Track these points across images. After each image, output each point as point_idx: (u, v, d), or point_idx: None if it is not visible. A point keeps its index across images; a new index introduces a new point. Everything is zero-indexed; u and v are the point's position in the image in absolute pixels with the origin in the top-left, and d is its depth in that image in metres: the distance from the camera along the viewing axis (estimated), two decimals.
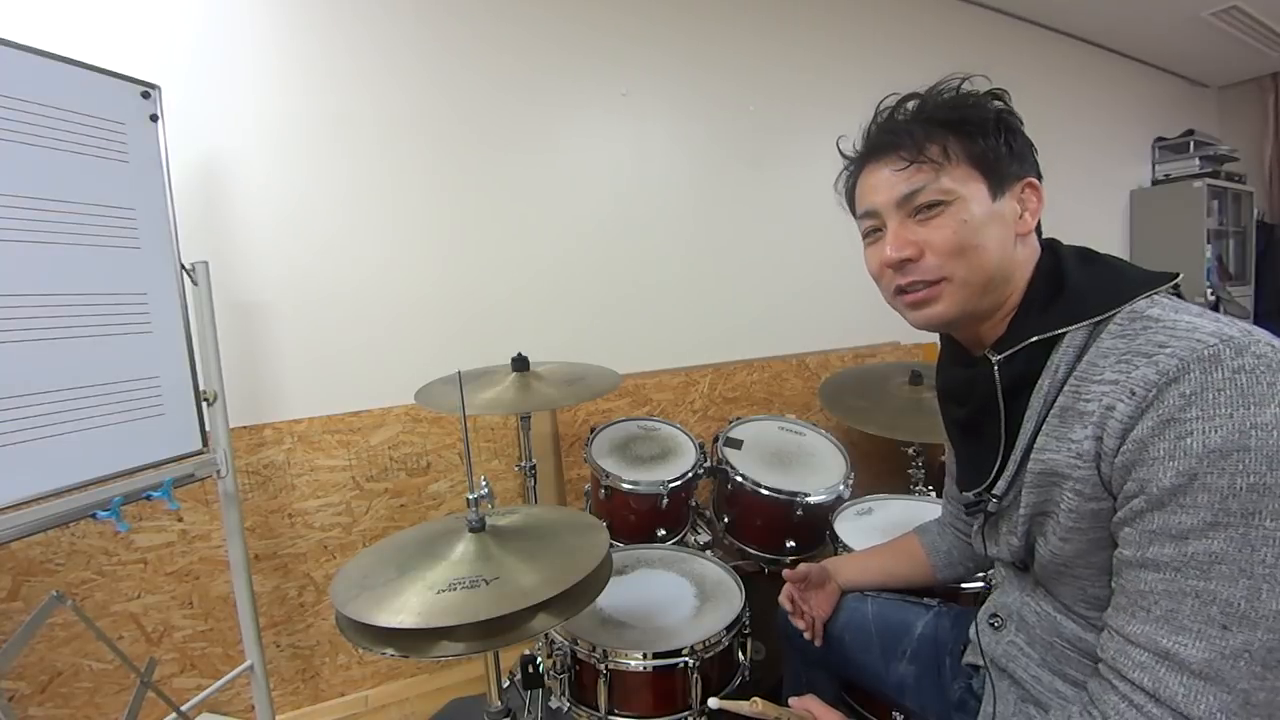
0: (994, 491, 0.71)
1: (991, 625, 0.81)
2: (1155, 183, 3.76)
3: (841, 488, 1.51)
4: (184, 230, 1.23)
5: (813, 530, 1.48)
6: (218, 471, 1.31)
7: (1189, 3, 2.90)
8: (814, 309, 2.42)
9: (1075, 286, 0.65)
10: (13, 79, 0.98)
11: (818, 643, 1.03)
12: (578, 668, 1.11)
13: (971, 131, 0.66)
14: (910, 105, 0.70)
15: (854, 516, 1.44)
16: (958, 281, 0.66)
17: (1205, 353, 0.52)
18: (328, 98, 1.63)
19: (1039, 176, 0.70)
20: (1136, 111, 3.67)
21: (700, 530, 1.63)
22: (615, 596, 1.24)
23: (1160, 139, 3.76)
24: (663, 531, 1.55)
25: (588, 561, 0.85)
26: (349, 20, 1.64)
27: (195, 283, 1.28)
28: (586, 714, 1.10)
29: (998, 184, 0.66)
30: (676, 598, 1.23)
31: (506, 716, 1.03)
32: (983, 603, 0.87)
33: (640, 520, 1.54)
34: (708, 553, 1.39)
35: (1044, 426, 0.64)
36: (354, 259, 1.68)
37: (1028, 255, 0.69)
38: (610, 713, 1.08)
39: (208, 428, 1.28)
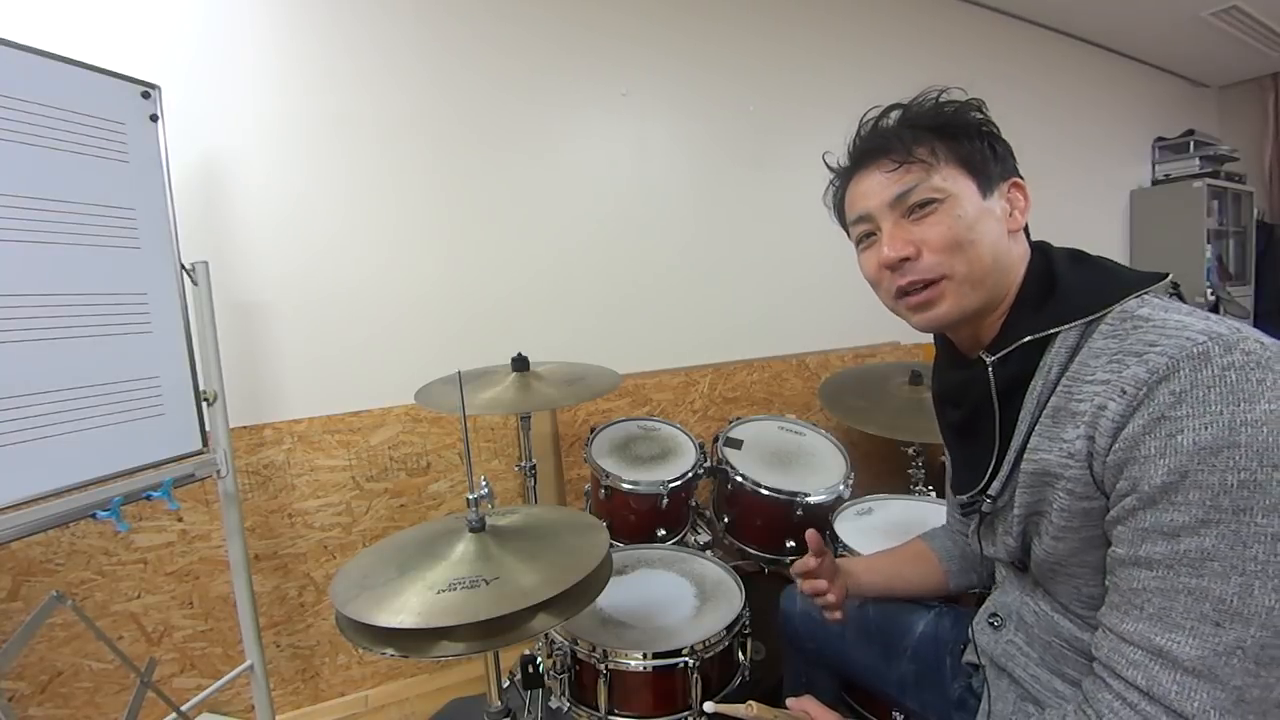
0: (989, 492, 0.71)
1: (991, 625, 0.81)
2: (1155, 183, 3.76)
3: (841, 488, 1.51)
4: (184, 230, 1.23)
5: None
6: (218, 471, 1.31)
7: (1189, 3, 2.90)
8: (814, 309, 2.42)
9: (1066, 287, 0.65)
10: (13, 79, 0.98)
11: (840, 617, 0.95)
12: (578, 668, 1.11)
13: (956, 134, 0.68)
14: (894, 113, 0.72)
15: (854, 516, 1.45)
16: (958, 278, 0.66)
17: (1194, 350, 0.52)
18: (327, 98, 1.63)
19: (1021, 177, 0.71)
20: (1136, 111, 3.67)
21: (700, 530, 1.63)
22: (615, 596, 1.24)
23: (1160, 139, 3.76)
24: (663, 531, 1.55)
25: (588, 561, 0.85)
26: (349, 20, 1.64)
27: (195, 283, 1.28)
28: (586, 714, 1.10)
29: (986, 183, 0.67)
30: (676, 598, 1.23)
31: (506, 716, 1.03)
32: (982, 603, 0.87)
33: (640, 520, 1.54)
34: (708, 553, 1.39)
35: (1037, 427, 0.64)
36: (354, 259, 1.68)
37: (1020, 254, 0.70)
38: (610, 713, 1.08)
39: (208, 428, 1.28)
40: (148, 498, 1.14)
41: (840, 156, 0.76)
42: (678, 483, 1.51)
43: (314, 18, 1.60)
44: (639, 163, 2.07)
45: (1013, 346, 0.66)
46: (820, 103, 2.37)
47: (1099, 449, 0.56)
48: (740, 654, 1.15)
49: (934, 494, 1.62)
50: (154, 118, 1.18)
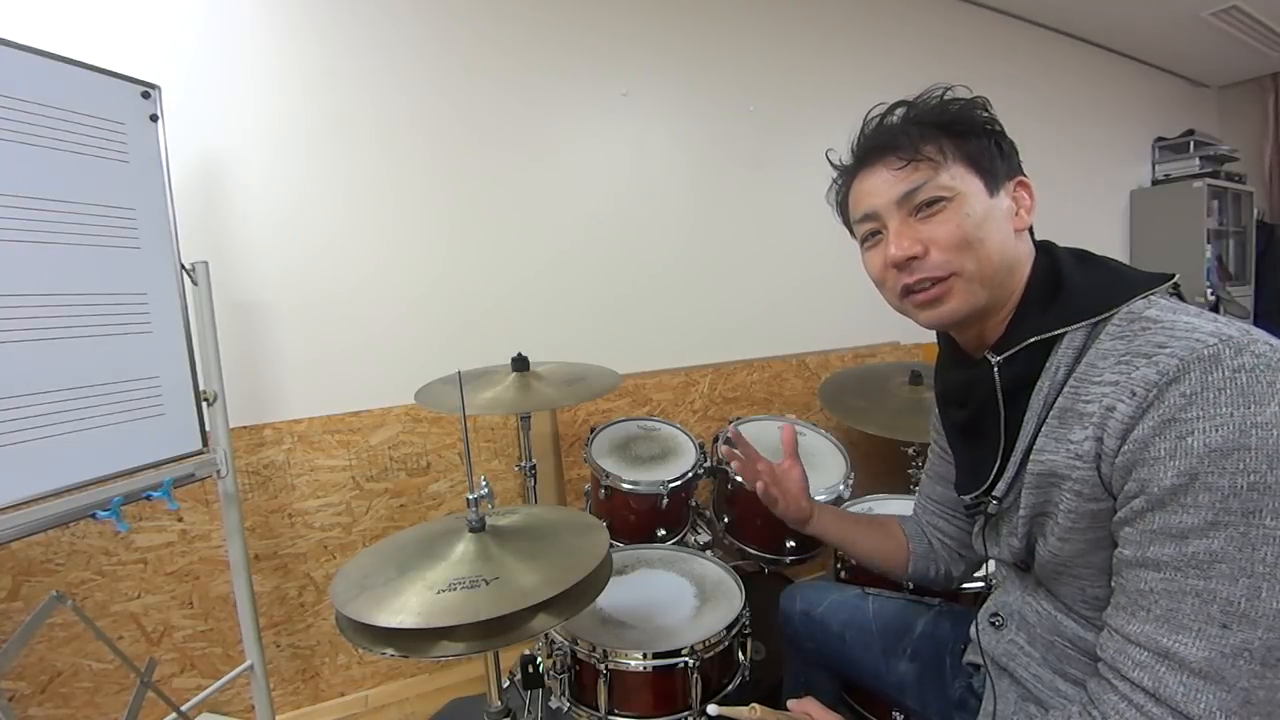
0: (994, 493, 0.71)
1: (992, 624, 0.81)
2: (1155, 183, 3.76)
3: (841, 488, 1.51)
4: (184, 230, 1.23)
5: None
6: (218, 471, 1.31)
7: (1189, 3, 2.89)
8: (814, 309, 2.42)
9: (1073, 287, 0.65)
10: (13, 79, 0.98)
11: (750, 481, 0.98)
12: (578, 668, 1.11)
13: (964, 131, 0.67)
14: (900, 110, 0.71)
15: None
16: (966, 275, 0.66)
17: (1205, 353, 0.52)
18: (327, 98, 1.63)
19: (1026, 176, 0.71)
20: (1136, 111, 3.67)
21: (700, 530, 1.63)
22: (615, 596, 1.24)
23: (1160, 139, 3.76)
24: (663, 531, 1.55)
25: (588, 561, 0.85)
26: (348, 20, 1.64)
27: (195, 283, 1.28)
28: (586, 714, 1.10)
29: (993, 181, 0.67)
30: (676, 598, 1.23)
31: (506, 716, 1.03)
32: (983, 602, 0.87)
33: (640, 520, 1.54)
34: (708, 553, 1.39)
35: (1043, 428, 0.64)
36: (354, 259, 1.68)
37: (1026, 252, 0.69)
38: (610, 713, 1.08)
39: (208, 428, 1.28)
40: (148, 498, 1.13)
41: (844, 154, 0.75)
42: (678, 483, 1.51)
43: (314, 18, 1.60)
44: (639, 163, 2.07)
45: (1019, 347, 0.65)
46: (820, 103, 2.37)
47: (1107, 450, 0.56)
48: (740, 654, 1.15)
49: None
50: (154, 118, 1.18)
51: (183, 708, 1.25)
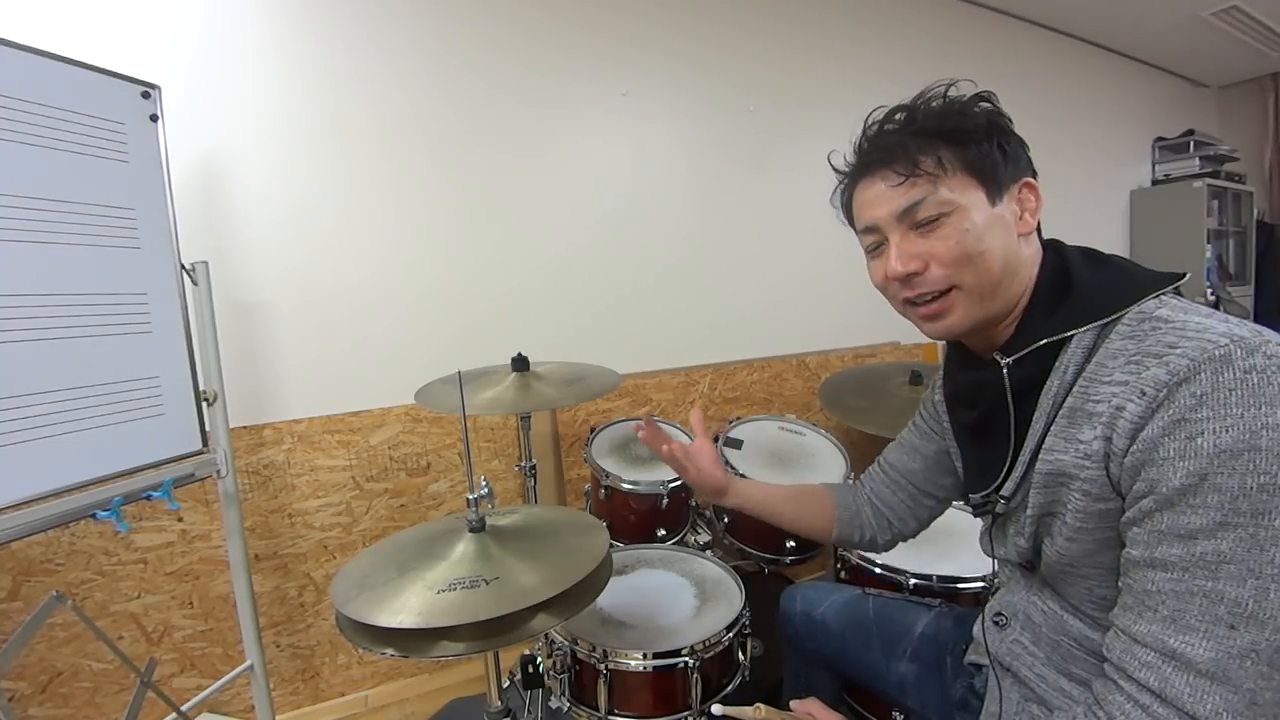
0: (1002, 493, 0.71)
1: (996, 624, 0.81)
2: (1155, 183, 3.76)
3: None
4: (184, 230, 1.23)
5: None
6: (218, 471, 1.30)
7: (1189, 3, 2.89)
8: (814, 309, 2.42)
9: (1082, 288, 0.64)
10: (13, 79, 0.98)
11: (662, 450, 0.93)
12: (578, 668, 1.11)
13: (964, 139, 0.65)
14: (899, 117, 0.70)
15: None
16: (966, 289, 0.66)
17: (1216, 353, 0.51)
18: (327, 98, 1.63)
19: (1034, 175, 0.69)
20: (1136, 111, 3.67)
21: (700, 530, 1.63)
22: (615, 596, 1.24)
23: (1160, 139, 3.76)
24: (663, 531, 1.55)
25: (588, 561, 0.85)
26: (348, 20, 1.64)
27: (195, 283, 1.28)
28: (586, 714, 1.10)
29: (995, 188, 0.65)
30: (676, 598, 1.23)
31: (506, 716, 1.03)
32: (985, 603, 0.87)
33: (640, 520, 1.54)
34: (708, 553, 1.39)
35: (1052, 428, 0.63)
36: (354, 259, 1.68)
37: (1031, 255, 0.68)
38: (610, 713, 1.08)
39: (208, 428, 1.28)
40: (148, 498, 1.13)
41: (847, 153, 0.74)
42: (678, 483, 1.51)
43: (314, 18, 1.60)
44: (639, 163, 2.07)
45: (1029, 349, 0.65)
46: (820, 103, 2.37)
47: (1116, 450, 0.56)
48: (740, 654, 1.15)
49: None
50: (154, 118, 1.18)
51: (183, 708, 1.25)
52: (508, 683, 1.41)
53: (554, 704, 1.15)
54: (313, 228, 1.63)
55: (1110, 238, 3.63)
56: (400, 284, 1.74)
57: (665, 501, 1.50)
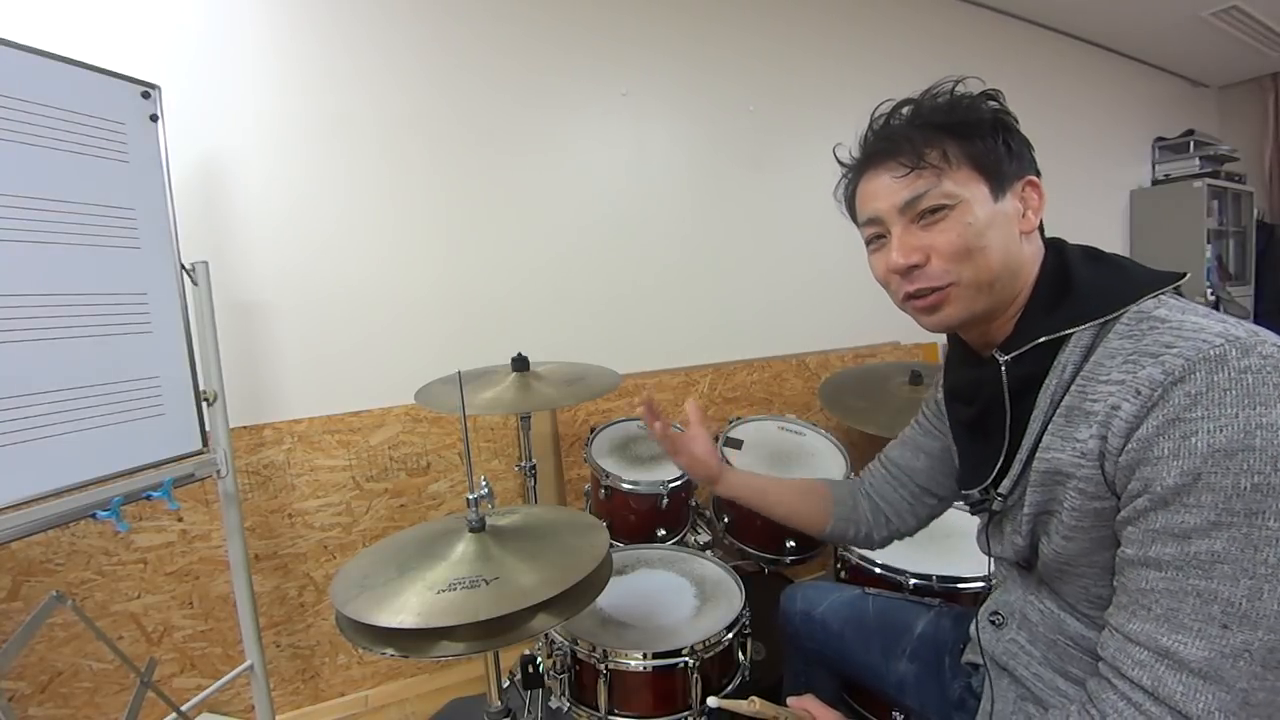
0: (999, 491, 0.71)
1: (992, 623, 0.81)
2: (1155, 183, 3.76)
3: None
4: (184, 230, 1.23)
5: None
6: (218, 471, 1.31)
7: (1189, 3, 2.90)
8: (814, 309, 2.42)
9: (1082, 286, 0.65)
10: (13, 79, 0.98)
11: (655, 427, 0.96)
12: (578, 668, 1.11)
13: (969, 134, 0.66)
14: (905, 110, 0.70)
15: None
16: (965, 284, 0.66)
17: (1211, 353, 0.51)
18: (327, 98, 1.63)
19: (1038, 174, 0.69)
20: (1136, 111, 3.67)
21: (700, 530, 1.63)
22: (615, 596, 1.24)
23: (1160, 139, 3.76)
24: (663, 531, 1.55)
25: (588, 561, 0.85)
26: (348, 20, 1.64)
27: (195, 283, 1.28)
28: (586, 714, 1.10)
29: (999, 184, 0.66)
30: (676, 598, 1.24)
31: (506, 716, 1.04)
32: (983, 602, 0.87)
33: (640, 520, 1.54)
34: (708, 553, 1.39)
35: (1050, 426, 0.64)
36: (353, 259, 1.68)
37: (1032, 253, 0.69)
38: (610, 713, 1.08)
39: (208, 428, 1.28)
40: (148, 498, 1.13)
41: (852, 147, 0.75)
42: (678, 483, 1.52)
43: (314, 18, 1.60)
44: (639, 162, 2.07)
45: (1027, 346, 0.65)
46: (821, 103, 2.37)
47: (1111, 449, 0.56)
48: (740, 654, 1.15)
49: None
50: (154, 118, 1.18)
51: (183, 708, 1.25)
52: (508, 683, 1.41)
53: (554, 704, 1.15)
54: (313, 228, 1.63)
55: (1110, 238, 3.63)
56: (400, 284, 1.74)
57: (665, 501, 1.50)
